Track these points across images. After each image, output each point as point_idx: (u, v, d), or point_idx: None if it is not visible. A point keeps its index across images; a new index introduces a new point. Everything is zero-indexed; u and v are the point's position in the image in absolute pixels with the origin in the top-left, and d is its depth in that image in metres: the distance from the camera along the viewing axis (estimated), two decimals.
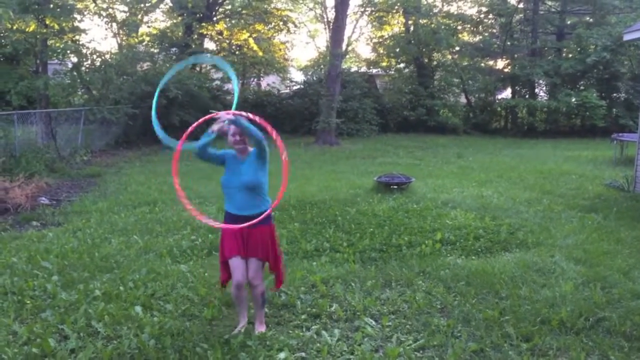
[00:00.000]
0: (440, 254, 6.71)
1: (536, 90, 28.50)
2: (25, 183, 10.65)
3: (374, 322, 4.70)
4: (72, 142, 16.41)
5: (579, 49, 26.30)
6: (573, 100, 25.03)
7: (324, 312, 4.87)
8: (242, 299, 4.52)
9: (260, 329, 4.49)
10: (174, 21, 26.93)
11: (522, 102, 26.45)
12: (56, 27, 15.78)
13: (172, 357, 3.99)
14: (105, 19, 21.71)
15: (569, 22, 28.54)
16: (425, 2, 28.59)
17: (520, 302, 5.05)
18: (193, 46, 24.61)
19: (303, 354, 4.14)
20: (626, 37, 11.53)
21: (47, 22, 15.48)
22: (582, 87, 26.29)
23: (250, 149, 4.38)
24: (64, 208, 9.52)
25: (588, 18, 27.72)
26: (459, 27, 29.22)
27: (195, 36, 25.02)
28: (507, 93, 29.67)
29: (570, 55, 27.27)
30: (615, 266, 6.10)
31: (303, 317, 4.78)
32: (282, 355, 4.03)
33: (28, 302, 4.99)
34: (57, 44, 16.51)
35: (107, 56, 18.74)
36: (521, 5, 27.96)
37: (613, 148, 16.52)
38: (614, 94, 26.21)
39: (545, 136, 25.41)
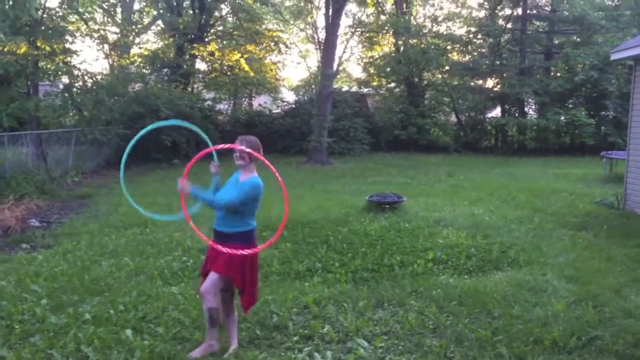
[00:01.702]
0: (432, 273, 6.70)
1: (526, 108, 28.75)
2: (15, 205, 10.59)
3: (366, 344, 4.67)
4: (63, 163, 16.34)
5: (567, 68, 26.65)
6: (562, 118, 25.25)
7: (316, 333, 4.84)
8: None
9: (204, 348, 4.42)
10: (166, 42, 27.04)
11: (512, 121, 26.66)
12: (47, 48, 15.81)
13: None
14: (97, 41, 21.77)
15: (556, 42, 28.94)
16: (414, 23, 28.94)
17: (513, 321, 5.04)
18: (185, 67, 24.72)
19: None
20: (613, 57, 11.69)
21: (39, 44, 15.50)
22: (571, 106, 26.57)
23: (244, 174, 4.44)
24: (54, 230, 9.45)
25: (575, 38, 28.12)
26: (449, 47, 29.52)
27: (187, 57, 25.14)
28: (497, 112, 29.91)
29: (558, 74, 27.63)
30: (606, 284, 6.12)
31: (295, 338, 4.74)
32: None
33: (17, 326, 4.93)
34: (49, 66, 16.53)
35: (99, 77, 18.77)
36: (509, 26, 28.31)
37: (602, 166, 16.65)
38: (603, 112, 26.48)
39: (535, 154, 25.58)
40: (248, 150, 4.27)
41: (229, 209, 4.29)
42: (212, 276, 4.32)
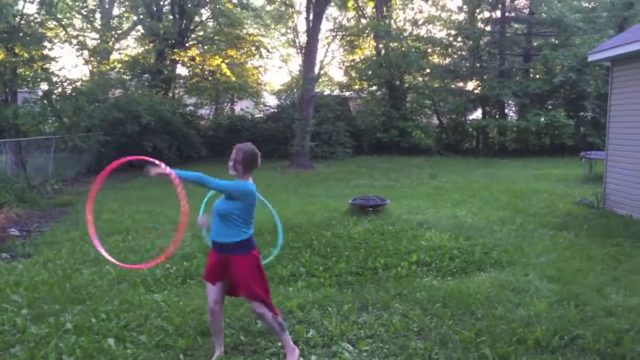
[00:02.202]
0: (416, 275, 6.73)
1: (506, 110, 29.04)
2: None
3: (351, 347, 4.67)
4: (43, 171, 16.16)
5: (545, 70, 26.95)
6: (542, 119, 25.52)
7: (301, 338, 4.83)
8: (214, 326, 4.46)
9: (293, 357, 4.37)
10: (146, 47, 26.92)
11: (492, 122, 26.89)
12: (25, 55, 15.66)
13: None
14: (76, 47, 21.60)
15: (535, 44, 29.27)
16: (395, 26, 29.12)
17: (496, 322, 5.07)
18: (165, 72, 24.60)
19: None
20: (591, 58, 11.86)
21: (17, 51, 15.35)
22: (550, 107, 26.86)
23: (239, 179, 4.33)
24: (35, 239, 9.33)
25: (553, 40, 28.46)
26: (429, 50, 29.72)
27: (168, 62, 25.03)
28: (477, 114, 30.15)
29: (537, 76, 27.93)
30: (587, 283, 6.19)
31: (280, 344, 4.72)
32: None
33: None
34: (27, 73, 16.37)
35: (78, 84, 18.63)
36: (488, 28, 28.59)
37: (582, 166, 16.86)
38: (581, 113, 26.81)
39: (516, 155, 25.81)
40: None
41: (221, 215, 4.22)
42: (255, 302, 4.29)
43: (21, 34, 15.38)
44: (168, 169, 4.09)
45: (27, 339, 4.80)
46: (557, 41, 27.93)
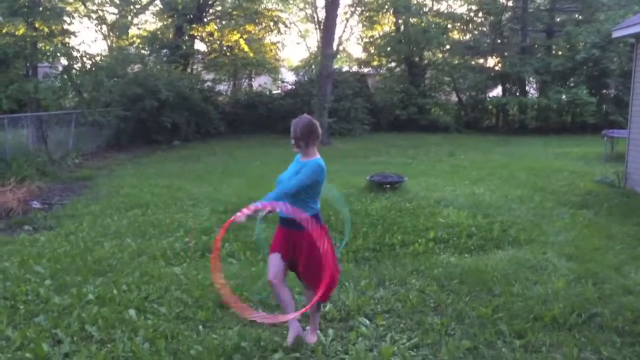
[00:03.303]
0: (433, 252, 6.73)
1: (527, 87, 28.63)
2: (16, 187, 10.61)
3: (368, 322, 4.71)
4: (64, 145, 16.34)
5: (568, 47, 26.44)
6: (563, 97, 25.14)
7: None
8: (278, 298, 4.32)
9: (310, 339, 4.33)
10: (164, 23, 26.86)
11: (512, 100, 26.54)
12: (46, 30, 15.71)
13: (166, 359, 3.98)
14: (95, 21, 21.63)
15: (558, 20, 28.68)
16: (415, 1, 28.65)
17: (513, 299, 5.07)
18: (184, 47, 24.57)
19: (297, 355, 4.14)
20: (615, 34, 11.61)
21: (37, 25, 15.40)
22: (572, 84, 26.42)
23: (305, 157, 4.24)
24: (56, 212, 9.48)
25: (577, 15, 27.88)
26: (449, 26, 29.26)
27: (186, 37, 25.00)
28: (497, 91, 29.78)
29: (560, 53, 27.42)
30: (606, 262, 6.15)
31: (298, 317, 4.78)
32: (276, 356, 4.03)
33: (21, 306, 4.97)
34: (47, 47, 16.42)
35: (98, 58, 18.67)
36: (510, 4, 28.04)
37: (603, 144, 16.62)
38: (604, 91, 26.36)
39: (536, 133, 25.49)
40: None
41: (294, 194, 4.09)
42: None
43: (41, 9, 15.40)
44: (259, 204, 4.01)
45: (50, 309, 4.91)
46: (580, 17, 27.35)
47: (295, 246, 4.19)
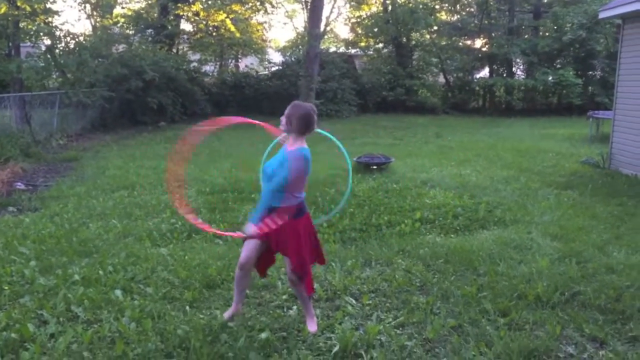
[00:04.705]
0: (419, 232, 6.78)
1: (514, 69, 28.67)
2: (0, 168, 10.48)
3: (354, 301, 4.74)
4: (48, 126, 16.15)
5: (555, 27, 26.45)
6: (550, 78, 25.23)
7: None
8: (240, 281, 4.25)
9: (310, 327, 4.23)
10: (149, 2, 26.51)
11: (499, 81, 26.59)
12: (28, 8, 15.44)
13: (153, 339, 3.98)
14: (79, 0, 21.27)
15: (545, 1, 28.67)
16: None
17: (498, 278, 5.13)
18: (169, 27, 24.28)
19: (284, 334, 4.16)
20: (602, 15, 11.62)
21: (19, 4, 15.13)
22: (558, 66, 26.50)
23: (292, 146, 4.07)
24: (41, 193, 9.39)
25: None
26: (437, 7, 29.20)
27: (171, 17, 24.68)
28: (485, 72, 29.81)
29: (547, 34, 27.47)
30: (590, 241, 6.23)
31: (284, 297, 4.80)
32: (263, 335, 4.04)
33: (6, 287, 4.93)
34: (30, 26, 16.16)
35: (81, 38, 18.39)
36: None
37: (589, 126, 16.74)
38: (590, 72, 26.48)
39: (522, 114, 25.61)
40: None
41: (289, 182, 3.96)
42: (286, 259, 4.16)
43: None
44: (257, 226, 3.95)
45: (36, 290, 4.89)
46: None
47: (273, 231, 4.06)
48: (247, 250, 4.17)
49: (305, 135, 4.07)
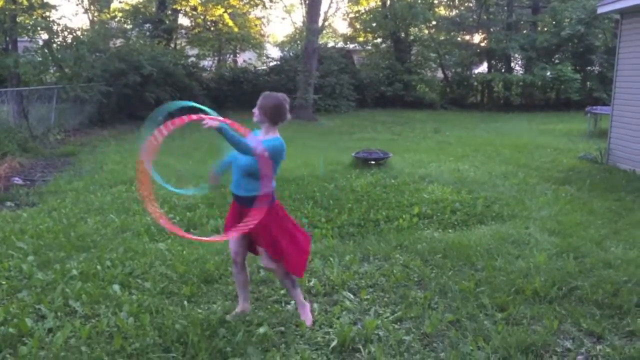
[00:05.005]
0: (417, 227, 6.77)
1: (512, 64, 28.68)
2: None
3: (352, 296, 4.74)
4: (45, 121, 16.09)
5: (553, 23, 26.46)
6: (548, 73, 25.24)
7: (303, 286, 4.89)
8: (237, 278, 4.32)
9: (302, 317, 4.26)
10: None
11: (498, 77, 26.60)
12: (25, 3, 15.39)
13: (151, 334, 3.98)
14: None
15: None
16: None
17: (496, 273, 5.13)
18: (167, 22, 24.21)
19: (282, 329, 4.17)
20: (600, 10, 11.61)
21: None
22: (557, 61, 26.50)
23: (265, 135, 4.09)
24: (39, 188, 9.38)
25: None
26: (435, 1, 29.15)
27: (169, 12, 24.62)
28: (483, 67, 29.80)
29: (545, 29, 27.45)
30: (588, 236, 6.24)
31: (282, 292, 4.80)
32: (261, 330, 4.05)
33: (4, 282, 4.93)
34: (27, 21, 16.11)
35: (79, 33, 18.32)
36: None
37: (587, 121, 16.75)
38: (588, 67, 26.49)
39: (520, 110, 25.63)
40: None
41: (248, 173, 3.97)
42: (261, 249, 4.16)
43: None
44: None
45: (33, 285, 4.89)
46: None
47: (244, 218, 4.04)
48: (233, 244, 4.24)
49: (278, 125, 4.15)
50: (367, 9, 29.81)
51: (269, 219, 4.01)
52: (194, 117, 3.78)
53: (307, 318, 4.26)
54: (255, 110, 4.12)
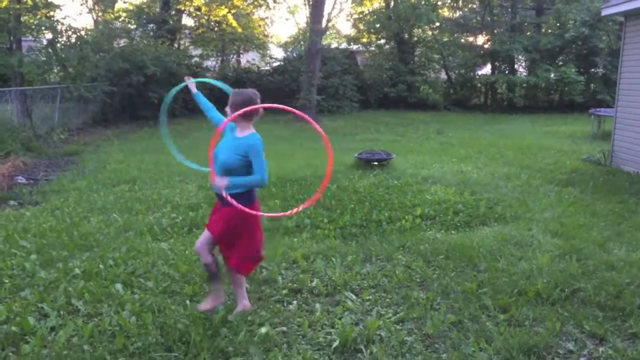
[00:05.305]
0: (420, 228, 6.77)
1: (515, 66, 28.59)
2: (1, 162, 10.49)
3: (354, 296, 4.74)
4: (49, 120, 16.15)
5: (557, 25, 26.40)
6: (552, 75, 25.18)
7: (305, 287, 4.90)
8: (206, 269, 4.36)
9: (237, 309, 4.36)
10: None
11: (501, 78, 26.55)
12: (29, 2, 15.44)
13: (153, 333, 3.99)
14: None
15: None
16: None
17: (498, 274, 5.12)
18: (171, 22, 24.25)
19: (284, 329, 4.17)
20: (604, 12, 11.59)
21: None
22: (560, 63, 26.44)
23: (241, 132, 4.13)
24: (42, 187, 9.40)
25: None
26: (439, 3, 29.13)
27: (173, 12, 24.65)
28: (487, 69, 29.74)
29: (549, 31, 27.39)
30: (590, 238, 6.22)
31: (284, 292, 4.81)
32: (263, 329, 4.05)
33: (7, 281, 4.95)
34: (31, 20, 16.15)
35: (83, 32, 18.37)
36: None
37: (590, 123, 16.71)
38: (592, 69, 26.42)
39: (524, 112, 25.58)
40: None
41: (226, 169, 4.03)
42: (206, 232, 4.27)
43: None
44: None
45: (36, 283, 4.90)
46: None
47: (218, 217, 4.20)
48: (202, 235, 4.30)
49: (253, 120, 4.17)
50: (370, 10, 29.80)
51: (233, 217, 4.08)
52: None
53: (206, 306, 4.33)
54: (227, 110, 4.16)
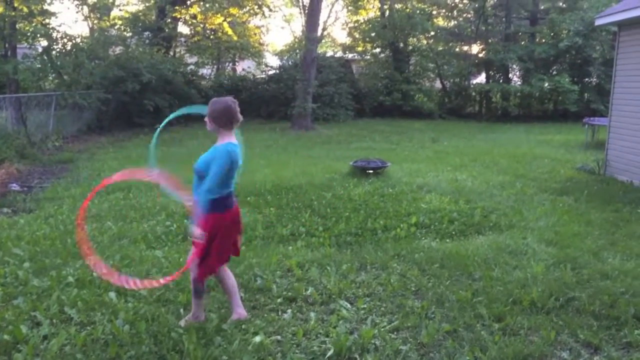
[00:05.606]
0: (415, 237, 6.77)
1: (510, 75, 28.76)
2: None
3: (349, 305, 4.73)
4: (43, 127, 16.11)
5: (552, 34, 26.60)
6: (546, 85, 25.32)
7: (300, 295, 4.89)
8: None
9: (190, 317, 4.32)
10: (147, 4, 26.50)
11: (496, 87, 26.69)
12: (25, 9, 15.44)
13: (146, 342, 3.96)
14: (76, 2, 21.25)
15: (542, 7, 28.80)
16: None
17: (493, 283, 5.12)
18: (166, 30, 24.27)
19: (279, 337, 4.15)
20: (598, 22, 11.67)
21: (16, 5, 15.13)
22: (554, 72, 26.60)
23: (218, 141, 4.14)
24: (36, 194, 9.37)
25: (561, 3, 28.04)
26: (434, 12, 29.27)
27: (169, 20, 24.67)
28: (481, 78, 29.89)
29: (543, 40, 27.57)
30: (585, 247, 6.23)
31: (279, 300, 4.79)
32: (257, 338, 4.03)
33: None
34: (27, 28, 16.15)
35: (78, 40, 18.37)
36: None
37: (585, 132, 16.79)
38: (586, 79, 26.56)
39: (518, 120, 25.70)
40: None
41: (198, 175, 4.06)
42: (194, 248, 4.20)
43: None
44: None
45: (29, 291, 4.86)
46: (564, 5, 27.50)
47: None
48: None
49: (233, 129, 4.15)
50: (366, 18, 29.90)
51: (220, 225, 4.07)
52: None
53: (233, 316, 4.31)
54: (207, 120, 4.15)
